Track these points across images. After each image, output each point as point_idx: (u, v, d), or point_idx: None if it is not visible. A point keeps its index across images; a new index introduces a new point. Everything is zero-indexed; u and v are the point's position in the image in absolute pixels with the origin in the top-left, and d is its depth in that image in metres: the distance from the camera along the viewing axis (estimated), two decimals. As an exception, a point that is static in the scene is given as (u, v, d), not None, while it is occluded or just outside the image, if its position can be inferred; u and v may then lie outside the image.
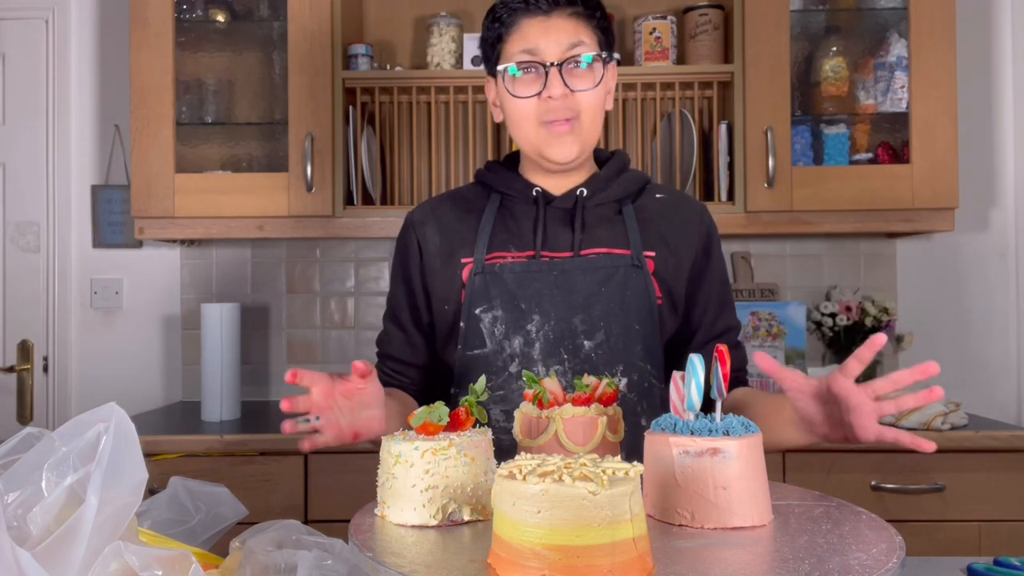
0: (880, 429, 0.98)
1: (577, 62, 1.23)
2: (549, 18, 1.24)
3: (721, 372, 0.92)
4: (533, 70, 1.24)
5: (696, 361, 0.90)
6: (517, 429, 1.01)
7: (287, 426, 1.00)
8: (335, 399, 1.02)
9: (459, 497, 0.87)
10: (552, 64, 1.22)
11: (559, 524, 0.66)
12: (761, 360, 0.98)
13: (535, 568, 0.67)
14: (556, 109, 1.23)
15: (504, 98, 1.28)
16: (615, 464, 0.71)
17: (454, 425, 0.92)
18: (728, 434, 0.86)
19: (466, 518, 0.87)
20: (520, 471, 0.69)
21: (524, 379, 1.03)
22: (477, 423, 0.94)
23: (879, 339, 0.96)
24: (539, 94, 1.23)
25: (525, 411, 1.01)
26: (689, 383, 0.90)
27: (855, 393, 0.97)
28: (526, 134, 1.27)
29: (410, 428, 0.92)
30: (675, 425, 0.89)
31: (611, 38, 1.30)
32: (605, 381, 1.02)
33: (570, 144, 1.25)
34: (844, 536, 0.80)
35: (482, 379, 0.96)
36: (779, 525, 0.85)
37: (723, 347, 0.93)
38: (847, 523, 0.85)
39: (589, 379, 1.03)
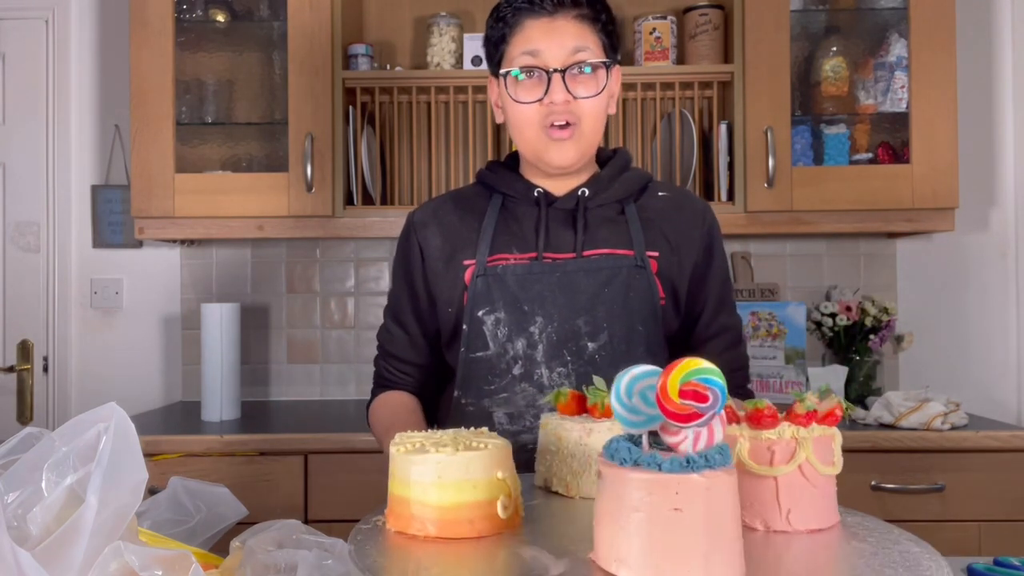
0: None
1: (581, 67, 1.22)
2: (553, 19, 1.23)
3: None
4: (536, 75, 1.23)
5: None
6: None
7: None
8: None
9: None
10: (555, 70, 1.21)
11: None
12: None
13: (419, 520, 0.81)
14: (558, 113, 1.22)
15: (506, 101, 1.27)
16: (487, 438, 0.87)
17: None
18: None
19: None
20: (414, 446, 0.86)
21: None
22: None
23: None
24: (541, 100, 1.22)
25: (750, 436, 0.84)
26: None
27: None
28: (527, 138, 1.26)
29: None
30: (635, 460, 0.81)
31: (616, 41, 1.29)
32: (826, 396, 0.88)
33: (569, 149, 1.25)
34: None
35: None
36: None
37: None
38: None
39: (811, 397, 0.87)
